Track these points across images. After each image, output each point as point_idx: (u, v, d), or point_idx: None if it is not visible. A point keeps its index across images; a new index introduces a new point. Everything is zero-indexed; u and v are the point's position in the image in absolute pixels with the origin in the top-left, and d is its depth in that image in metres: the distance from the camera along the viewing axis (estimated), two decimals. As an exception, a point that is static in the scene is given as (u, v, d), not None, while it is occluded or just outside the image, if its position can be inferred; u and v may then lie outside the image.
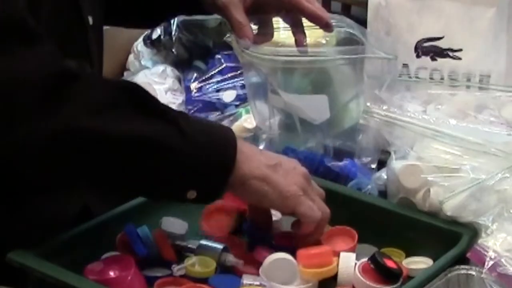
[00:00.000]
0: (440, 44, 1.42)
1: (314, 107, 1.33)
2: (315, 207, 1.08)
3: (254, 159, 1.07)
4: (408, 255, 1.12)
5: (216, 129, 1.08)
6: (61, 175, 1.02)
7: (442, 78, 1.42)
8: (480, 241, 1.07)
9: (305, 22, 1.31)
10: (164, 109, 1.05)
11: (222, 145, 1.05)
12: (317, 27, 1.30)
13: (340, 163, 1.32)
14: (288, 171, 1.08)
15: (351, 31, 1.31)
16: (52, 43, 1.02)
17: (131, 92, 1.03)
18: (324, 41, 1.35)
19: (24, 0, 1.01)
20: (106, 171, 1.02)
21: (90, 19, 1.17)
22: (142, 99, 1.04)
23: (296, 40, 1.31)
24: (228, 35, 1.28)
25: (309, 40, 1.32)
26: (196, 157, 1.03)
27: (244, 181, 1.06)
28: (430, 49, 1.42)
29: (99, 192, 1.12)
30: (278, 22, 1.34)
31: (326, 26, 1.29)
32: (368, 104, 1.24)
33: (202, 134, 1.04)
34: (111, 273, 1.03)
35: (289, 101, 1.32)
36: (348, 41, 1.31)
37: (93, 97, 1.00)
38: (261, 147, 1.38)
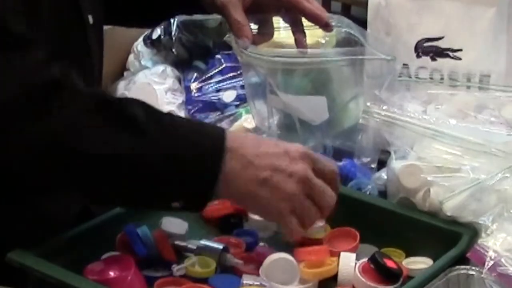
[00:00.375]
0: (440, 44, 1.42)
1: (313, 108, 1.33)
2: (298, 227, 1.04)
3: (242, 176, 1.01)
4: (408, 255, 1.12)
5: (202, 141, 1.01)
6: (45, 184, 1.02)
7: (442, 78, 1.42)
8: (480, 241, 1.07)
9: (305, 22, 1.31)
10: (144, 123, 1.00)
11: (205, 161, 1.00)
12: (317, 27, 1.30)
13: (340, 163, 1.32)
14: (280, 182, 1.02)
15: (350, 31, 1.31)
16: (38, 47, 1.00)
17: (108, 106, 1.00)
18: (323, 41, 1.35)
19: (12, 2, 1.00)
20: (86, 184, 1.01)
21: (90, 18, 1.17)
22: (120, 113, 1.00)
23: (295, 40, 1.31)
24: (228, 35, 1.28)
25: (308, 40, 1.31)
26: (176, 174, 1.00)
27: (230, 196, 1.04)
28: (430, 49, 1.42)
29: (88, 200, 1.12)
30: (278, 22, 1.34)
31: (325, 26, 1.29)
32: (368, 104, 1.24)
33: (185, 148, 1.00)
34: (111, 273, 1.03)
35: (287, 102, 1.31)
36: (347, 41, 1.31)
37: (70, 114, 0.98)
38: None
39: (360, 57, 1.29)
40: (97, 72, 1.23)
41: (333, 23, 1.29)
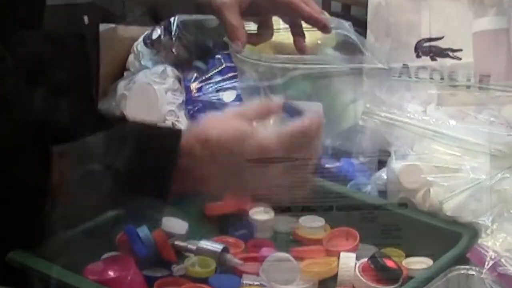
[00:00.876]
0: (440, 44, 1.42)
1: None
2: None
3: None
4: (408, 255, 1.12)
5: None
6: None
7: (442, 78, 1.42)
8: (480, 241, 1.07)
9: (303, 23, 1.31)
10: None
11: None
12: (315, 28, 1.30)
13: (339, 164, 1.32)
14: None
15: (348, 34, 1.30)
16: None
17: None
18: (321, 43, 1.35)
19: None
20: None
21: (86, 19, 1.17)
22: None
23: (294, 42, 1.30)
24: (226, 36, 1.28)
25: (307, 41, 1.31)
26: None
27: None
28: (430, 49, 1.42)
29: None
30: (278, 23, 1.33)
31: (323, 28, 1.29)
32: (368, 105, 1.24)
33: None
34: (111, 273, 1.03)
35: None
36: (346, 44, 1.31)
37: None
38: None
39: (359, 65, 1.28)
40: (94, 73, 1.22)
41: (332, 26, 1.29)
